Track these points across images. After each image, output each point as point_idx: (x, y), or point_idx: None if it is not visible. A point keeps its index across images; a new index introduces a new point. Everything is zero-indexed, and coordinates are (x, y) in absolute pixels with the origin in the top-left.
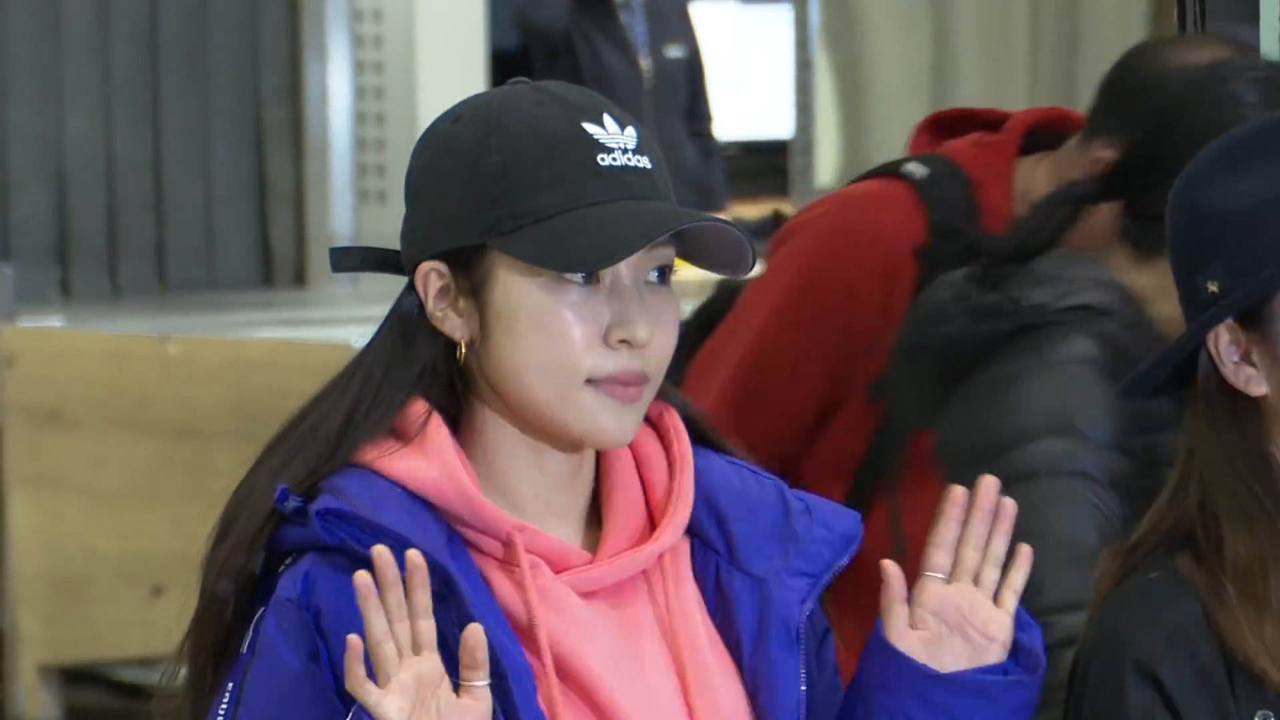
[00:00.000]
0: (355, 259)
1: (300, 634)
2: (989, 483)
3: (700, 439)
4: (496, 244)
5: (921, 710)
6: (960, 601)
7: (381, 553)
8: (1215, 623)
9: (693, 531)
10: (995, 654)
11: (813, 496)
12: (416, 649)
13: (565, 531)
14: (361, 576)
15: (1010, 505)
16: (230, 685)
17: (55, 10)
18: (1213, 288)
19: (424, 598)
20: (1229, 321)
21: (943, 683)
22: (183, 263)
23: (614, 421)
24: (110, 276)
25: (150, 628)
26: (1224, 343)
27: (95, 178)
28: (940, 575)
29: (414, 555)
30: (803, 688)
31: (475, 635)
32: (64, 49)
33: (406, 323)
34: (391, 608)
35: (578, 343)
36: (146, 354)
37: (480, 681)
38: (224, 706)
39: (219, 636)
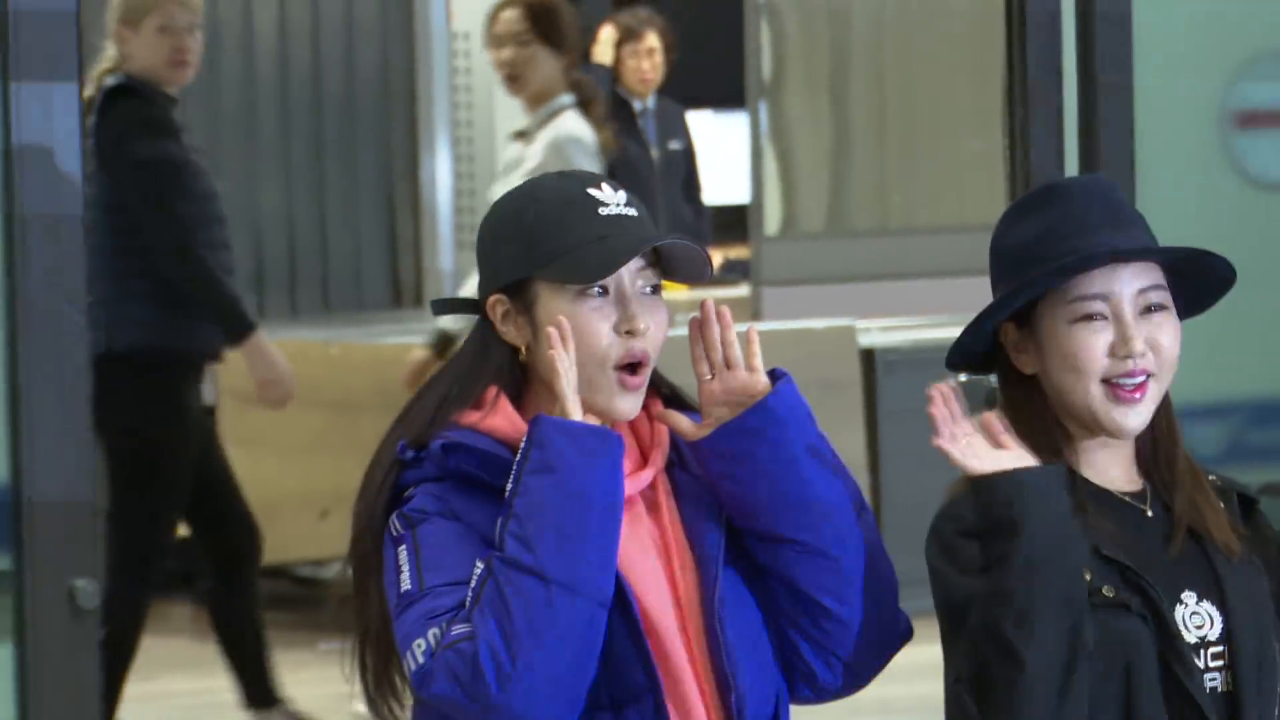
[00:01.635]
0: (447, 306)
1: (442, 508)
2: (707, 303)
3: (670, 401)
4: (538, 274)
5: (725, 464)
6: (725, 385)
7: (561, 323)
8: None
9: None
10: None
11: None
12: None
13: None
14: (556, 327)
15: (725, 309)
16: (404, 548)
17: (251, 117)
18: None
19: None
20: (1009, 322)
21: (724, 434)
22: (340, 290)
23: (625, 400)
24: (290, 300)
25: (321, 540)
26: (1010, 338)
27: (280, 231)
28: (707, 378)
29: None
30: (719, 550)
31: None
32: (258, 142)
33: (482, 339)
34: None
35: (600, 335)
36: (316, 354)
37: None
38: (405, 557)
39: (369, 548)
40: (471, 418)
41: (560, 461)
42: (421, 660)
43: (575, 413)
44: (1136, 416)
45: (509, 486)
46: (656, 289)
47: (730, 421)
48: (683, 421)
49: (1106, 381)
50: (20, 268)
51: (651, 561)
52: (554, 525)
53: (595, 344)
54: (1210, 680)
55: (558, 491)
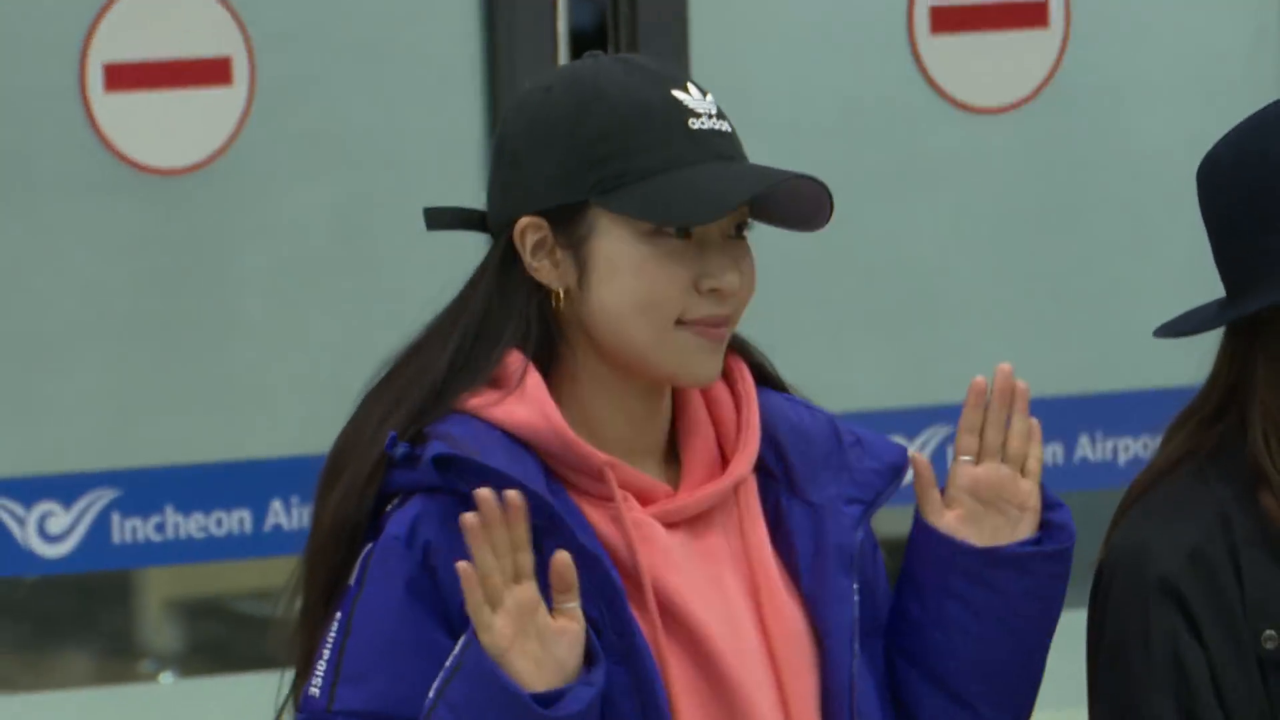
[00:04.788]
0: (447, 218)
1: (406, 569)
2: (1005, 369)
3: (760, 379)
4: (602, 201)
5: (964, 584)
6: (990, 477)
7: (484, 494)
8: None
9: (755, 464)
10: (1028, 526)
11: (862, 429)
12: (517, 579)
13: (647, 466)
14: (469, 518)
15: (1025, 386)
16: (339, 615)
17: None
18: None
19: (522, 532)
20: None
21: (981, 556)
22: None
23: (704, 361)
24: None
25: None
26: None
27: None
28: (969, 458)
29: (512, 495)
30: (855, 614)
31: (563, 560)
32: None
33: (502, 276)
34: (497, 543)
35: (674, 288)
36: None
37: (571, 603)
38: (333, 635)
39: (330, 573)
40: (485, 399)
41: None
42: None
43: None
44: None
45: (430, 697)
46: (743, 229)
47: (1026, 542)
48: (933, 492)
49: None
50: None
51: (728, 607)
52: None
53: (666, 300)
54: None
55: None
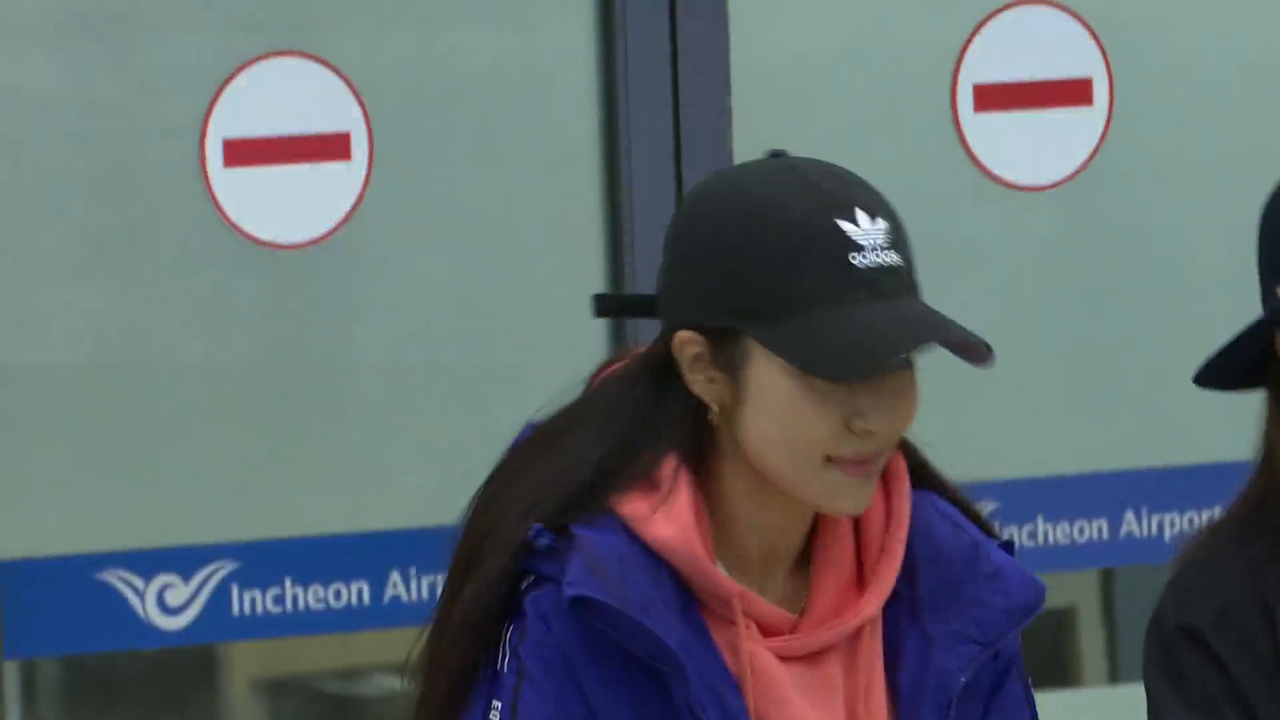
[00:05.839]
0: (615, 305)
1: (557, 655)
2: None
3: (916, 478)
4: (757, 335)
5: None
6: None
7: None
8: None
9: None
10: None
11: (1007, 558)
12: None
13: (776, 574)
14: None
15: None
16: (499, 705)
17: None
18: None
19: None
20: None
21: None
22: None
23: (850, 497)
24: None
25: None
26: None
27: None
28: None
29: None
30: None
31: None
32: None
33: (658, 379)
34: None
35: (823, 429)
36: None
37: None
38: None
39: (465, 660)
40: (636, 508)
41: None
42: None
43: None
44: None
45: None
46: (909, 363)
47: None
48: None
49: None
50: None
51: None
52: None
53: (814, 440)
54: None
55: None
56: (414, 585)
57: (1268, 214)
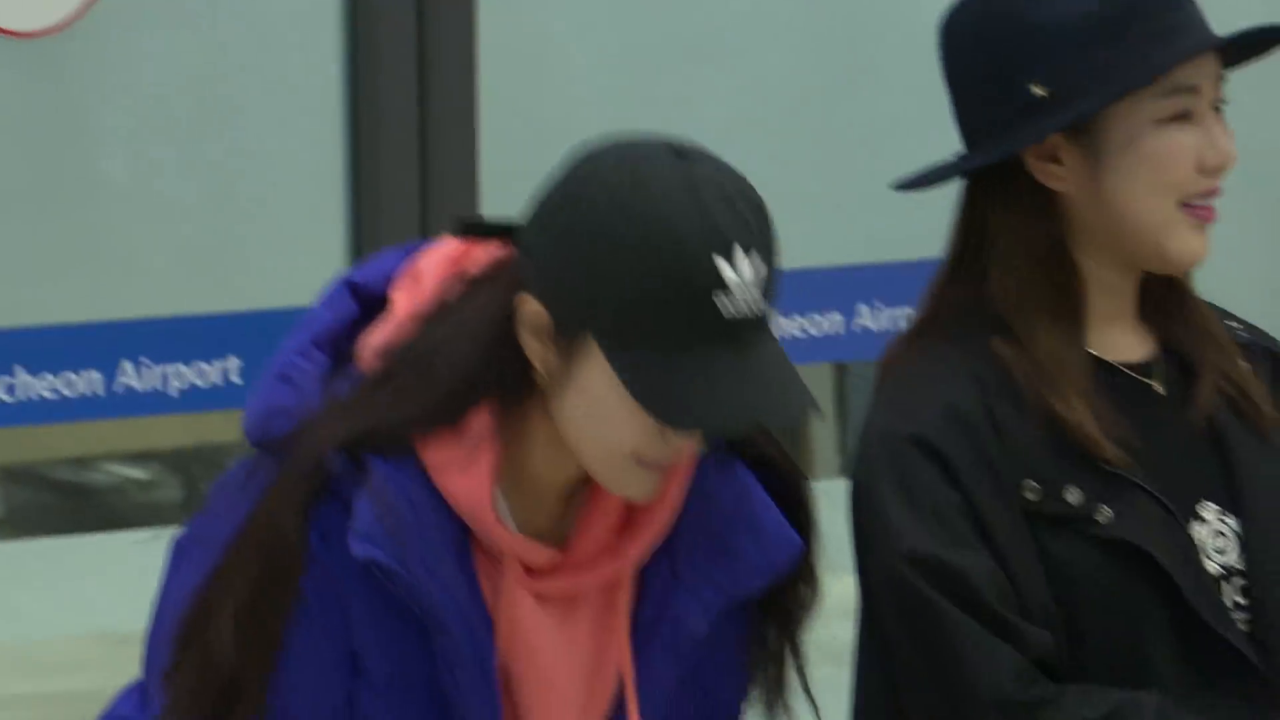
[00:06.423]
0: (479, 228)
1: (331, 591)
2: None
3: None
4: (606, 349)
5: None
6: None
7: None
8: (1038, 398)
9: None
10: None
11: (771, 515)
12: None
13: (551, 512)
14: None
15: None
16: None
17: None
18: (1039, 91)
19: None
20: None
21: None
22: None
23: (642, 487)
24: None
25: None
26: (1046, 144)
27: None
28: None
29: None
30: (665, 693)
31: None
32: None
33: (497, 329)
34: None
35: (637, 438)
36: None
37: None
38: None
39: (275, 545)
40: (438, 456)
41: None
42: None
43: None
44: (1206, 245)
45: None
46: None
47: None
48: None
49: (1183, 202)
50: None
51: (567, 708)
52: None
53: (623, 441)
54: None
55: None
56: (146, 374)
57: (985, 19)
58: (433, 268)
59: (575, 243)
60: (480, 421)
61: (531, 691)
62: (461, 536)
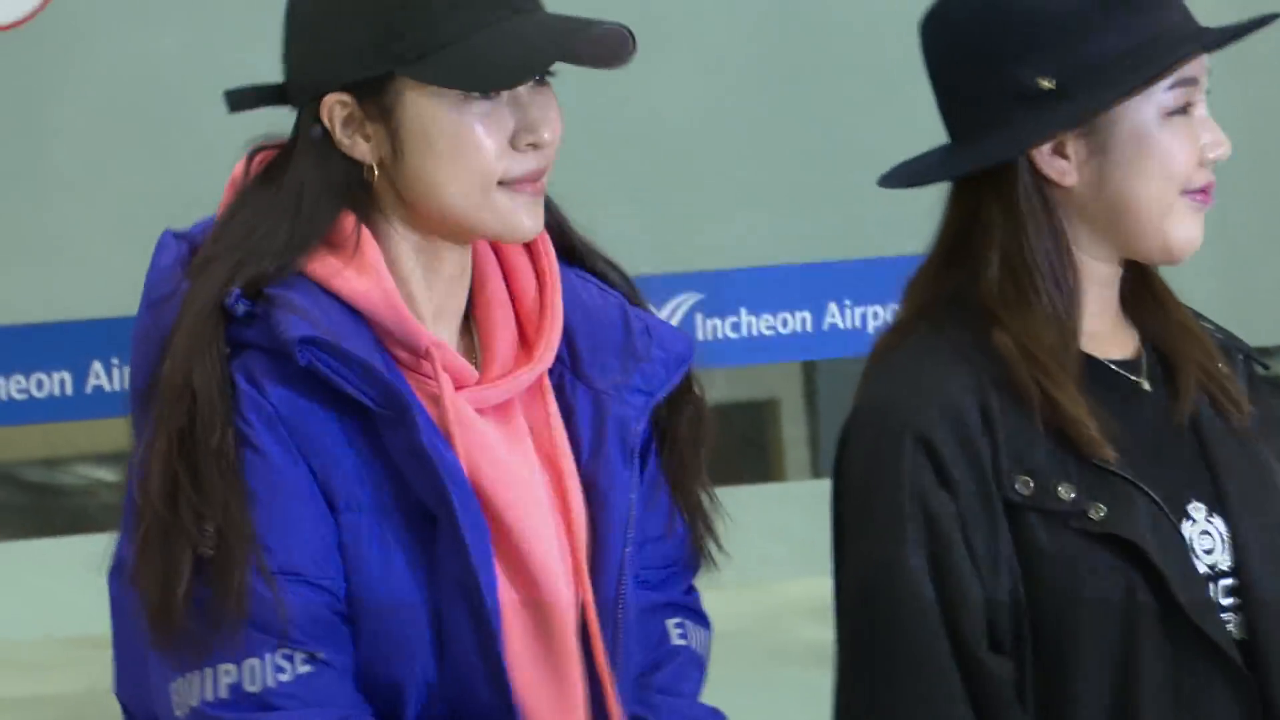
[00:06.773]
0: (250, 98)
1: (274, 418)
2: None
3: (559, 238)
4: (406, 72)
5: None
6: None
7: None
8: (1031, 388)
9: None
10: None
11: (651, 316)
12: None
13: (451, 331)
14: None
15: None
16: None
17: None
18: (1046, 84)
19: None
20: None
21: None
22: None
23: (529, 214)
24: None
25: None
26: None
27: None
28: None
29: None
30: (633, 496)
31: None
32: None
33: (319, 149)
34: None
35: (490, 151)
36: None
37: None
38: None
39: (187, 420)
40: (327, 266)
41: None
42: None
43: None
44: (1202, 231)
45: None
46: (544, 76)
47: None
48: None
49: (1183, 190)
50: None
51: (532, 491)
52: None
53: (484, 164)
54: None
55: None
56: (116, 375)
57: (974, 7)
58: (240, 168)
59: (343, 9)
60: (348, 224)
61: (502, 496)
62: (379, 345)
